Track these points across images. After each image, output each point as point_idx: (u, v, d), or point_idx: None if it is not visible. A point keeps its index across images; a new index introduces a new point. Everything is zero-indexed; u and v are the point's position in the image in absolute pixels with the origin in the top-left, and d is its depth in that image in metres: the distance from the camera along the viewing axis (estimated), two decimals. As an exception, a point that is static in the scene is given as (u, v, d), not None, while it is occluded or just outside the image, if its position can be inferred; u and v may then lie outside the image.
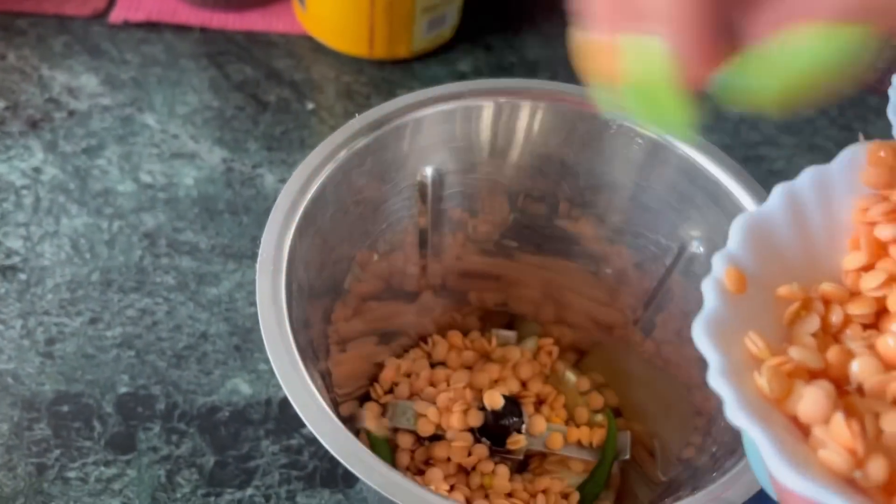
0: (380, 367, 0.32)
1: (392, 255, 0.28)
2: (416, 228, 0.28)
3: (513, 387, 0.30)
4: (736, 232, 0.16)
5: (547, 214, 0.29)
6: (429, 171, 0.26)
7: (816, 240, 0.17)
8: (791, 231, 0.17)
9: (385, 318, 0.30)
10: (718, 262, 0.16)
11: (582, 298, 0.31)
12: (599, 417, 0.31)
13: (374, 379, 0.32)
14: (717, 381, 0.14)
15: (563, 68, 0.49)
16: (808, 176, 0.17)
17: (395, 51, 0.47)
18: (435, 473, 0.28)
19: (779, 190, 0.17)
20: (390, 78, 0.47)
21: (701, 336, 0.14)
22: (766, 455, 0.12)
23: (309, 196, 0.24)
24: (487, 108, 0.25)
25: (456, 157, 0.26)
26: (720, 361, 0.14)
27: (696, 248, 0.26)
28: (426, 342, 0.32)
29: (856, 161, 0.17)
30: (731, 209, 0.24)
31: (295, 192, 0.24)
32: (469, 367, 0.32)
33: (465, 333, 0.33)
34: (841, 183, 0.17)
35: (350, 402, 0.30)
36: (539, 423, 0.29)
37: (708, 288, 0.15)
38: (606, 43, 0.15)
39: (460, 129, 0.26)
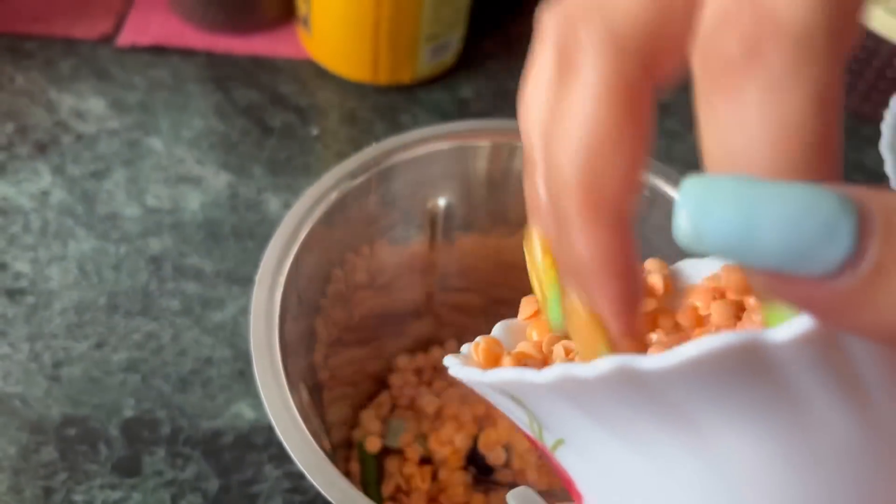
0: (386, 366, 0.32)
1: (396, 280, 0.29)
2: (423, 257, 0.29)
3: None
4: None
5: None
6: (441, 203, 0.27)
7: None
8: None
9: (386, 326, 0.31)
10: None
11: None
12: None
13: (379, 379, 0.32)
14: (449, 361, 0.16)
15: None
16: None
17: (399, 77, 0.48)
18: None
19: None
20: (393, 104, 0.48)
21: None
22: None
23: (314, 218, 0.24)
24: (489, 147, 0.26)
25: (462, 190, 0.27)
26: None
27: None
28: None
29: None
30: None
31: (301, 213, 0.24)
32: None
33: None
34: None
35: (345, 406, 0.30)
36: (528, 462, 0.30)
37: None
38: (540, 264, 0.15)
39: (466, 165, 0.27)
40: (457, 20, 0.47)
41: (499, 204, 0.27)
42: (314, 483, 0.19)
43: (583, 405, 0.12)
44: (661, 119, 0.49)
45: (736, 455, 0.11)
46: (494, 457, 0.28)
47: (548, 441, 0.15)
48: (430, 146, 0.26)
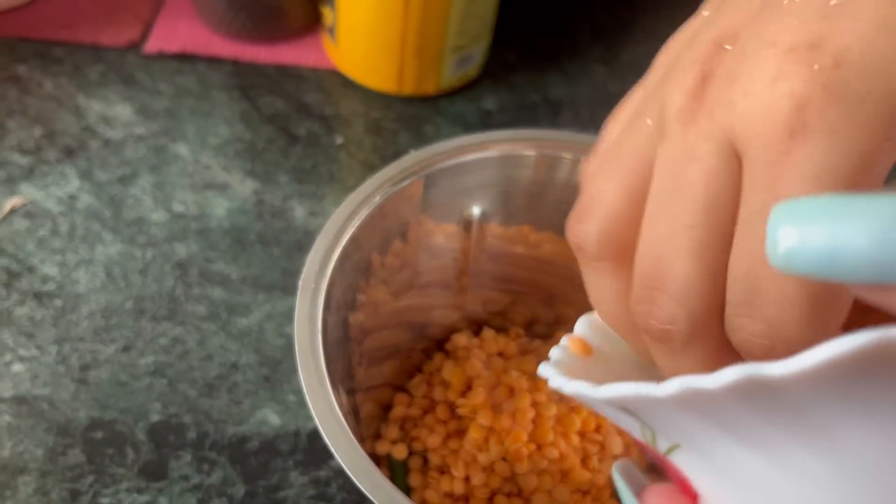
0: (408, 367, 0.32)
1: (429, 287, 0.29)
2: (457, 263, 0.29)
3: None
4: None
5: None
6: (476, 211, 0.27)
7: None
8: None
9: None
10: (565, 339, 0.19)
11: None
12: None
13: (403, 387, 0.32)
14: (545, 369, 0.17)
15: (585, 108, 0.50)
16: None
17: (423, 88, 0.48)
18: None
19: None
20: (417, 114, 0.48)
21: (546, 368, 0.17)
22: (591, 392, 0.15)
23: (356, 224, 0.24)
24: (530, 157, 0.26)
25: (500, 198, 0.27)
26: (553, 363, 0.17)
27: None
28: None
29: None
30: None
31: (343, 218, 0.24)
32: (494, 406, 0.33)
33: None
34: None
35: (374, 405, 0.30)
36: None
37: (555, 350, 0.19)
38: None
39: (504, 174, 0.27)
40: (482, 33, 0.48)
41: (535, 213, 0.28)
42: (361, 487, 0.19)
43: (704, 413, 0.12)
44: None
45: (865, 454, 0.11)
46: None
47: (661, 446, 0.15)
48: (471, 154, 0.26)
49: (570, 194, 0.27)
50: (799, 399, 0.11)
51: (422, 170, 0.25)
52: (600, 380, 0.17)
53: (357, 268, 0.25)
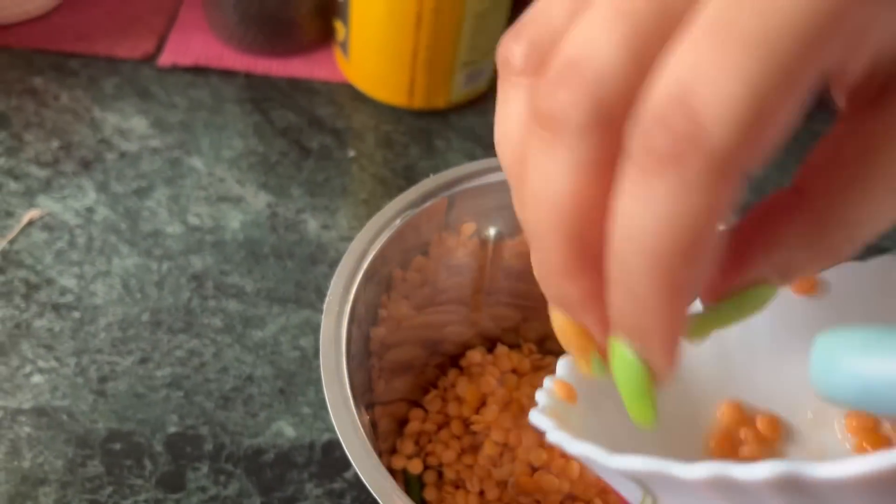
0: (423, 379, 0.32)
1: (446, 306, 0.30)
2: (474, 281, 0.30)
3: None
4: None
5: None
6: (492, 231, 0.28)
7: None
8: None
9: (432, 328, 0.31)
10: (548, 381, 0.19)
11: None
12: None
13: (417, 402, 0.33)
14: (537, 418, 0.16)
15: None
16: None
17: (434, 102, 0.49)
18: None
19: None
20: (428, 128, 0.49)
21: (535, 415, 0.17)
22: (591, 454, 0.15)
23: (377, 248, 0.25)
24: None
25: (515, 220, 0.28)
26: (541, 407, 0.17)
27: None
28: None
29: None
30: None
31: (366, 241, 0.25)
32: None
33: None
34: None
35: (390, 420, 0.31)
36: None
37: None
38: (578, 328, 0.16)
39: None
40: (492, 48, 0.48)
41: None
42: (374, 494, 0.20)
43: (726, 498, 0.12)
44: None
45: None
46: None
47: None
48: (489, 177, 0.27)
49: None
50: (832, 498, 0.11)
51: (442, 192, 0.26)
52: (591, 429, 0.17)
53: (379, 284, 0.25)
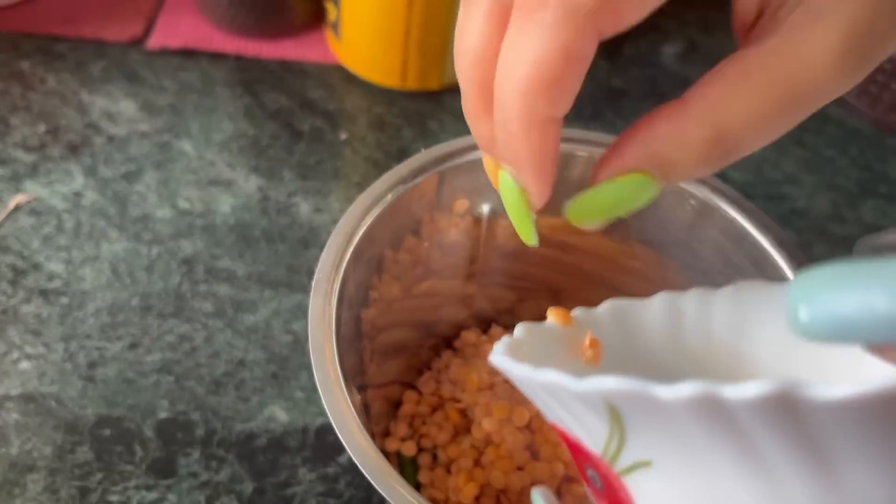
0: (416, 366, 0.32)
1: (440, 284, 0.29)
2: (467, 260, 0.29)
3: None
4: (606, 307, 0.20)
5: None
6: (485, 209, 0.27)
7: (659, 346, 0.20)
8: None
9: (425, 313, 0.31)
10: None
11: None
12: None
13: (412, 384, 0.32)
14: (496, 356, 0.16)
15: (588, 103, 0.50)
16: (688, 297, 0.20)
17: (427, 83, 0.48)
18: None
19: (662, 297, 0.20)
20: (421, 109, 0.48)
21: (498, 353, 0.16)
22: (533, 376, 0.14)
23: (366, 226, 0.24)
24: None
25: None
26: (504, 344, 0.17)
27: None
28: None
29: (740, 296, 0.19)
30: (771, 274, 0.25)
31: (355, 219, 0.24)
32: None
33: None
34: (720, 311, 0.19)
35: (383, 402, 0.30)
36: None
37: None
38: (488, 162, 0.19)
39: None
40: (486, 27, 0.48)
41: (550, 209, 0.28)
42: (376, 486, 0.19)
43: (713, 425, 0.12)
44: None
45: (867, 498, 0.11)
46: None
47: (623, 462, 0.14)
48: (478, 153, 0.26)
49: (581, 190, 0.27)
50: (825, 426, 0.11)
51: (433, 167, 0.25)
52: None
53: (370, 264, 0.25)
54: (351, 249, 0.23)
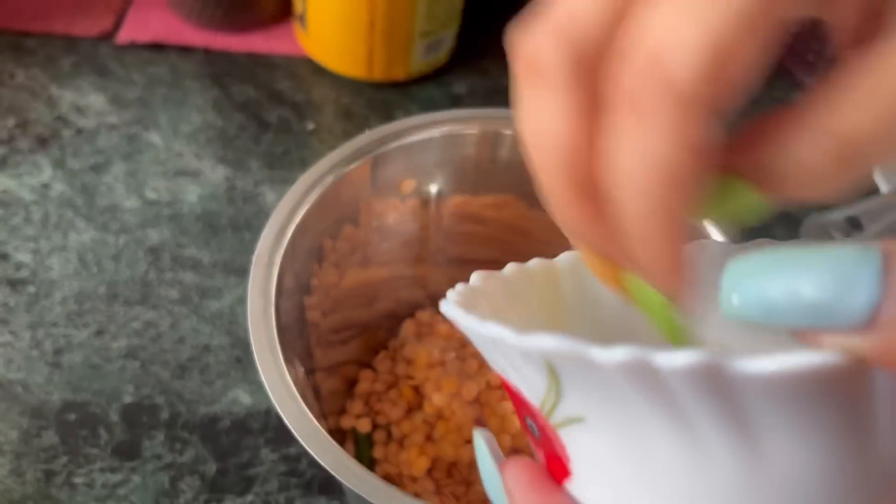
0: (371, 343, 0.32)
1: (389, 265, 0.30)
2: (416, 242, 0.30)
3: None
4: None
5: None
6: (433, 188, 0.28)
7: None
8: None
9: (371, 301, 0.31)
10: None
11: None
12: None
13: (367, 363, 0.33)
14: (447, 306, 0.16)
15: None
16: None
17: (393, 73, 0.49)
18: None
19: None
20: (388, 99, 0.49)
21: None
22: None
23: (310, 201, 0.25)
24: (477, 135, 0.27)
25: (454, 176, 0.28)
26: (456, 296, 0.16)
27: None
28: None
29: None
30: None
31: (297, 197, 0.25)
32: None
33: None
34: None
35: (340, 381, 0.31)
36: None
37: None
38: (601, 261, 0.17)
39: (455, 152, 0.28)
40: (450, 18, 0.48)
41: (487, 188, 0.28)
42: (311, 452, 0.20)
43: (645, 389, 0.12)
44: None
45: (787, 468, 0.12)
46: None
47: (559, 415, 0.14)
48: (420, 134, 0.27)
49: (516, 168, 0.28)
50: (749, 398, 0.11)
51: (371, 151, 0.26)
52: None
53: (309, 253, 0.25)
54: (287, 239, 0.24)
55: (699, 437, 0.12)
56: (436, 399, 0.28)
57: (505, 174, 0.28)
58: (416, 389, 0.30)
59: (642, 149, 0.14)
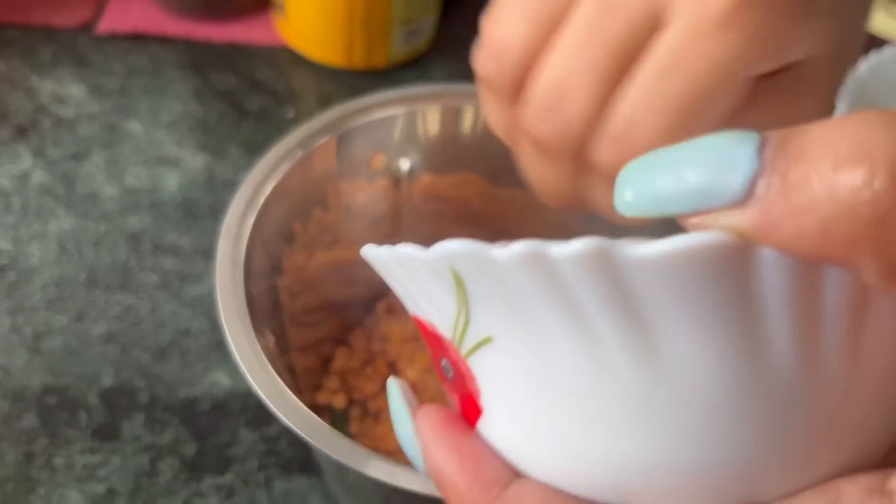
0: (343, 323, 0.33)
1: (360, 242, 0.30)
2: (388, 219, 0.30)
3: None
4: None
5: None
6: (404, 165, 0.28)
7: None
8: None
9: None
10: None
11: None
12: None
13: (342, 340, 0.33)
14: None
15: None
16: None
17: (373, 61, 0.49)
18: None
19: None
20: (368, 87, 0.49)
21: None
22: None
23: (278, 176, 0.25)
24: (440, 110, 0.27)
25: (423, 151, 0.28)
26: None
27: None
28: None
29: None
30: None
31: (265, 171, 0.25)
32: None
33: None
34: None
35: (316, 358, 0.31)
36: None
37: None
38: None
39: (422, 127, 0.28)
40: (429, 5, 0.49)
41: (451, 165, 0.29)
42: (278, 414, 0.20)
43: (545, 289, 0.12)
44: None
45: (686, 375, 0.12)
46: None
47: (469, 341, 0.14)
48: (389, 110, 0.27)
49: (478, 145, 0.28)
50: (641, 288, 0.12)
51: (339, 127, 0.26)
52: None
53: (279, 235, 0.26)
54: (262, 200, 0.24)
55: (599, 341, 0.13)
56: (409, 373, 0.29)
57: (467, 151, 0.28)
58: (392, 365, 0.30)
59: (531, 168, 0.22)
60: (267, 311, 0.25)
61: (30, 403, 0.35)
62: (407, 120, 0.28)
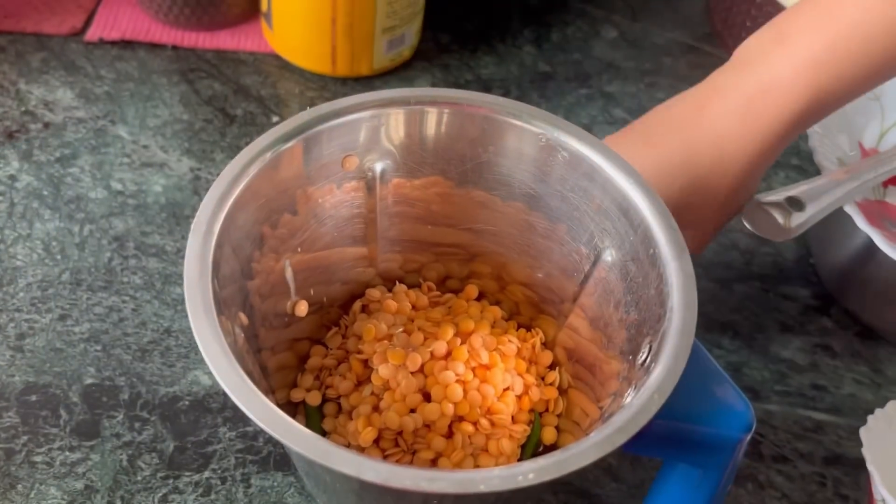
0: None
1: (334, 243, 0.31)
2: (362, 220, 0.31)
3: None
4: None
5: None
6: (378, 167, 0.29)
7: None
8: None
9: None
10: None
11: (521, 287, 0.34)
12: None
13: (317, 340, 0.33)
14: None
15: (514, 86, 0.52)
16: None
17: (357, 69, 0.50)
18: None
19: None
20: (352, 94, 0.50)
21: None
22: None
23: (249, 176, 0.25)
24: (403, 113, 0.28)
25: (396, 153, 0.29)
26: None
27: (609, 256, 0.28)
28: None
29: None
30: (633, 217, 0.27)
31: (236, 172, 0.25)
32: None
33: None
34: None
35: (292, 356, 0.32)
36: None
37: None
38: None
39: (395, 131, 0.29)
40: (412, 14, 0.49)
41: (416, 167, 0.30)
42: (246, 411, 0.20)
43: None
44: (608, 108, 0.52)
45: None
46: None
47: None
48: (359, 114, 0.28)
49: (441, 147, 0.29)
50: None
51: (308, 129, 0.27)
52: None
53: (249, 239, 0.26)
54: (231, 200, 0.25)
55: None
56: (382, 371, 0.29)
57: (431, 154, 0.29)
58: (365, 363, 0.31)
59: None
60: (236, 311, 0.26)
61: (10, 401, 0.35)
62: (373, 123, 0.28)
